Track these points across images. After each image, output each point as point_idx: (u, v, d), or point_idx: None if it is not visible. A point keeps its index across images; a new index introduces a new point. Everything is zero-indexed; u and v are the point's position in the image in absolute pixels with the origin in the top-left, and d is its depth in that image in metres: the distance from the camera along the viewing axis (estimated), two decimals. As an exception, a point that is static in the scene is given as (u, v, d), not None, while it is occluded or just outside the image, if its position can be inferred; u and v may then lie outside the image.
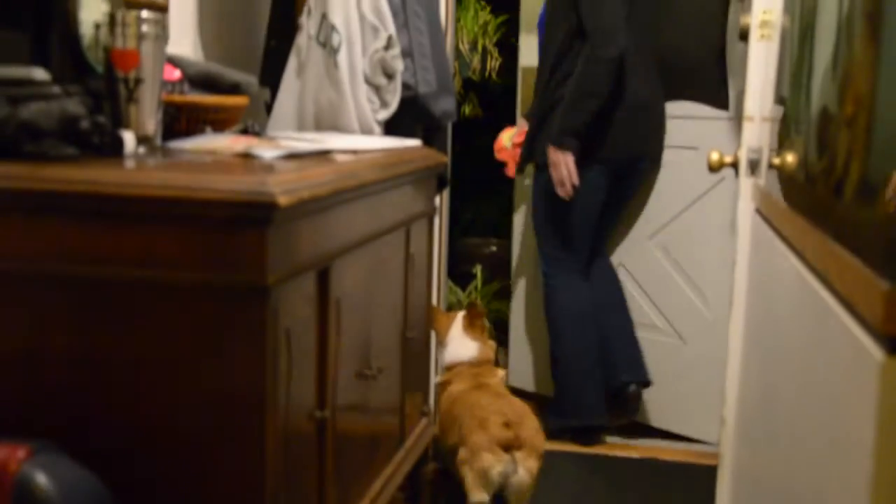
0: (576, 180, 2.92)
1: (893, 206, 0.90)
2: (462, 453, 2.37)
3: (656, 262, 3.28)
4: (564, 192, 2.94)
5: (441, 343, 2.85)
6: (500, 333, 4.18)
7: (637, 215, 3.30)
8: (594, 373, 3.13)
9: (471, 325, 2.84)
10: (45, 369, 1.29)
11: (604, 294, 3.21)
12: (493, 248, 5.03)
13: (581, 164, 2.94)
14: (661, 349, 3.27)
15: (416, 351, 2.16)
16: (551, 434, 3.08)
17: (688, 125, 3.17)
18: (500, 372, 2.88)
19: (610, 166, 3.03)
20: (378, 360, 1.80)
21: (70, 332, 1.28)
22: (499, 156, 3.40)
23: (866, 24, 1.09)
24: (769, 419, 1.57)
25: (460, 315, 2.87)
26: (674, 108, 3.19)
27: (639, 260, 3.31)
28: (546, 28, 3.10)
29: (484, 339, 2.85)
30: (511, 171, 3.35)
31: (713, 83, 3.15)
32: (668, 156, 3.20)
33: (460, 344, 2.81)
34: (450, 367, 2.78)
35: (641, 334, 3.28)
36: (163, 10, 2.08)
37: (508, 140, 3.35)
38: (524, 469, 2.33)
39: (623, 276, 3.32)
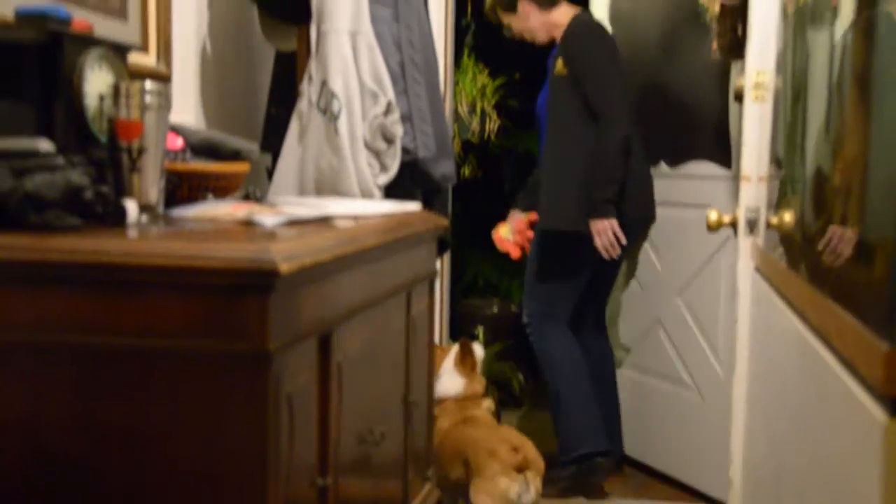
0: (623, 240, 3.15)
1: (827, 259, 0.90)
2: (478, 484, 2.58)
3: (682, 319, 3.36)
4: (610, 254, 3.16)
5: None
6: (503, 395, 4.16)
7: (667, 273, 3.42)
8: (592, 406, 3.28)
9: (462, 361, 3.02)
10: (46, 439, 1.28)
11: (597, 370, 3.39)
12: (495, 309, 5.02)
13: (572, 232, 3.18)
14: (683, 403, 3.34)
15: (418, 415, 2.15)
16: (561, 490, 3.21)
17: (703, 184, 3.26)
18: (486, 402, 3.04)
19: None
20: (380, 425, 1.79)
21: (71, 401, 1.28)
22: (501, 246, 3.60)
23: (857, 87, 1.11)
24: (775, 480, 1.55)
25: (453, 350, 3.04)
26: (691, 167, 3.32)
27: (670, 316, 3.41)
28: (549, 111, 3.30)
29: (473, 374, 3.03)
30: (517, 254, 3.56)
31: (721, 143, 3.22)
32: (687, 214, 3.29)
33: (448, 379, 2.97)
34: (438, 402, 2.91)
35: (670, 388, 3.39)
36: (166, 79, 2.12)
37: (508, 233, 3.58)
38: (534, 488, 2.58)
39: (660, 332, 3.45)
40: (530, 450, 2.63)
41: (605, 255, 3.13)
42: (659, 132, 3.44)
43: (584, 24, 3.24)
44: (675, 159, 3.39)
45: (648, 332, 3.48)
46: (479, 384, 3.02)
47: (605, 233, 3.11)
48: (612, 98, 3.13)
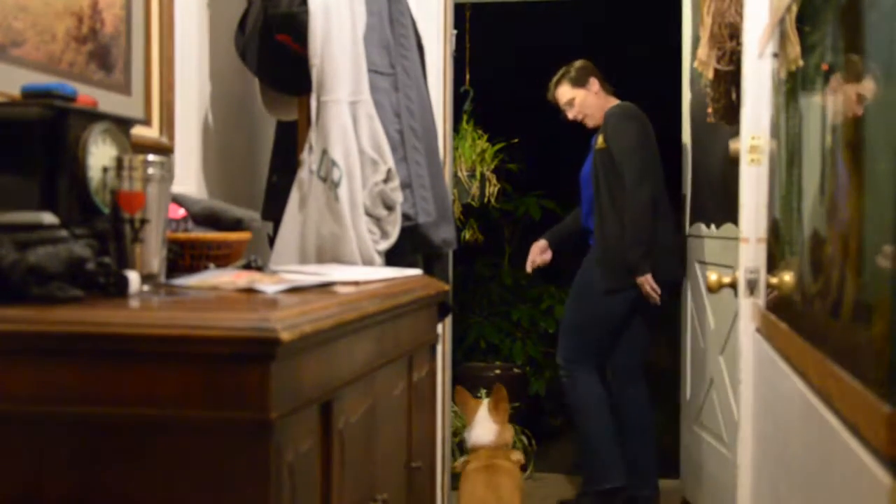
0: (658, 290, 3.68)
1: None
2: None
3: (723, 376, 3.46)
4: (654, 301, 3.70)
5: (468, 425, 3.26)
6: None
7: (717, 332, 3.57)
8: (614, 445, 3.79)
9: (495, 408, 3.22)
10: (45, 513, 1.27)
11: (634, 417, 3.86)
12: (497, 371, 5.00)
13: (608, 291, 3.75)
14: (720, 459, 3.46)
15: (421, 481, 2.13)
16: None
17: (731, 245, 3.33)
18: (516, 455, 3.25)
19: (634, 293, 3.74)
20: (382, 491, 1.77)
21: (72, 471, 1.27)
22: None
23: (849, 152, 1.12)
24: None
25: (486, 399, 3.29)
26: (725, 229, 3.49)
27: (716, 374, 3.55)
28: (593, 181, 3.88)
29: (504, 422, 3.22)
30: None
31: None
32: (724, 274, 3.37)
33: (483, 428, 3.19)
34: (473, 449, 3.16)
35: (713, 443, 3.58)
36: (168, 151, 2.15)
37: None
38: None
39: (712, 390, 3.64)
40: None
41: (652, 301, 3.68)
42: (707, 196, 3.77)
43: (620, 107, 3.87)
44: (718, 221, 3.62)
45: (707, 389, 3.68)
46: (509, 433, 3.25)
47: (643, 286, 3.67)
48: (634, 166, 3.67)
